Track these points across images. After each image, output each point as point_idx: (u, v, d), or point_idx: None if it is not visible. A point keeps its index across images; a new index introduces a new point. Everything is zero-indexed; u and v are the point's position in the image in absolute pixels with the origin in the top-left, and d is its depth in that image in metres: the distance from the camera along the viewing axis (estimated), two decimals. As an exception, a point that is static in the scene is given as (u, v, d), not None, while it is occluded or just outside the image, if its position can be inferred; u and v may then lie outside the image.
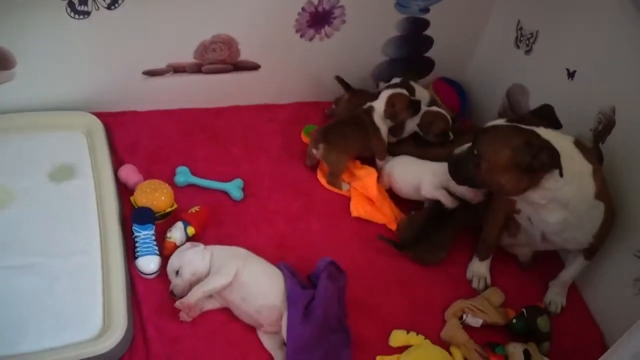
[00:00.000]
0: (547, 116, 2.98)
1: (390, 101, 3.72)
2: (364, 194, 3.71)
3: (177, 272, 3.01)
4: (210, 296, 3.03)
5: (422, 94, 4.04)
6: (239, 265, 3.02)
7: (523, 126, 2.85)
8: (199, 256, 3.04)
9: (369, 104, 3.78)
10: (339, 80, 3.98)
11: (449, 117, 3.78)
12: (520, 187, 2.87)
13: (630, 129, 3.17)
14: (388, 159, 3.82)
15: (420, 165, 3.68)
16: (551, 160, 2.74)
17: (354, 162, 3.85)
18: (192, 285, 2.99)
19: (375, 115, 3.74)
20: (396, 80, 4.00)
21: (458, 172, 3.11)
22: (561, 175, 2.75)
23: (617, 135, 3.24)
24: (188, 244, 3.15)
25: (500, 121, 2.94)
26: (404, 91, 3.76)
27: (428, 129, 3.78)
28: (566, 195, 2.89)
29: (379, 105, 3.74)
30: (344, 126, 3.76)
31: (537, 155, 2.75)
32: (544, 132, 2.85)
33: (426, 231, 3.47)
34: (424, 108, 3.81)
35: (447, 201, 3.51)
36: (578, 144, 2.97)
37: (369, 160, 3.87)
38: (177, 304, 2.92)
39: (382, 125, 3.76)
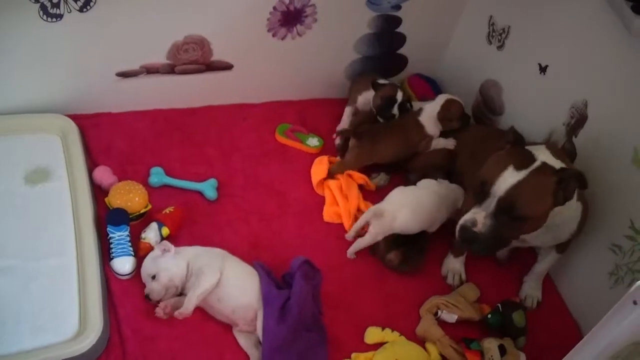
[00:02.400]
0: (516, 136, 2.94)
1: (446, 105, 3.76)
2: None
3: (153, 277, 3.01)
4: (181, 294, 3.05)
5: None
6: (220, 263, 3.05)
7: (536, 165, 2.76)
8: (172, 263, 3.03)
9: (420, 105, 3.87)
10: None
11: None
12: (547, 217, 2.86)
13: (602, 122, 3.20)
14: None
15: (424, 193, 3.53)
16: (581, 183, 2.77)
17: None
18: (168, 289, 3.00)
19: (423, 115, 3.80)
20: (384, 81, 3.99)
21: (495, 248, 3.05)
22: (584, 188, 2.81)
23: (589, 129, 3.26)
24: (157, 250, 3.10)
25: (511, 172, 2.74)
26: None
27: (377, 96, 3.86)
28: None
29: (431, 108, 3.80)
30: (379, 132, 3.80)
31: (567, 187, 2.74)
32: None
33: (405, 238, 3.48)
34: None
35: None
36: (550, 148, 2.94)
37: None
38: (177, 314, 2.91)
39: (430, 127, 3.79)
